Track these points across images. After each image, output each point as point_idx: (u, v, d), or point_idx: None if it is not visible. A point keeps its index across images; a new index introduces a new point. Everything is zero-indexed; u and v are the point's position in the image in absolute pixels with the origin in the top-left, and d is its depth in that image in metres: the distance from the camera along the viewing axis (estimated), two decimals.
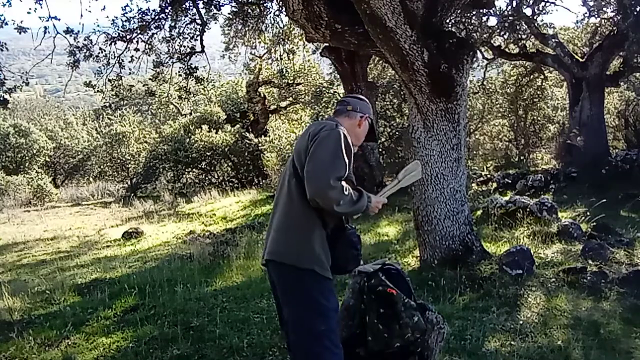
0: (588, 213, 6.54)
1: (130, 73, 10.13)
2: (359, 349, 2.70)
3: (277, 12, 10.89)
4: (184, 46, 9.48)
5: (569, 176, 10.17)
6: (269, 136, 15.36)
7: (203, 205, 12.44)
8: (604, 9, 11.36)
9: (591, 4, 11.10)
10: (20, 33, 7.31)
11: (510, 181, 10.69)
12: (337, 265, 2.32)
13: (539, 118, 16.54)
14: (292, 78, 16.08)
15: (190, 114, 19.21)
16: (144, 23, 8.70)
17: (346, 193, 2.15)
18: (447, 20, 6.08)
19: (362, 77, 9.97)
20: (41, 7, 7.39)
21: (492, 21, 11.67)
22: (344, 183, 2.16)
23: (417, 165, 2.66)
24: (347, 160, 2.20)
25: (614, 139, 14.85)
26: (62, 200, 16.44)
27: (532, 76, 15.09)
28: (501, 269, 4.72)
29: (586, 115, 11.26)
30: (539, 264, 4.97)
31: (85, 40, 8.68)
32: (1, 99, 7.59)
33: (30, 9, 7.28)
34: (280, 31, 11.76)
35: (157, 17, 8.80)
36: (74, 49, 8.60)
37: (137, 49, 9.14)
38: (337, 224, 2.32)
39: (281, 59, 13.30)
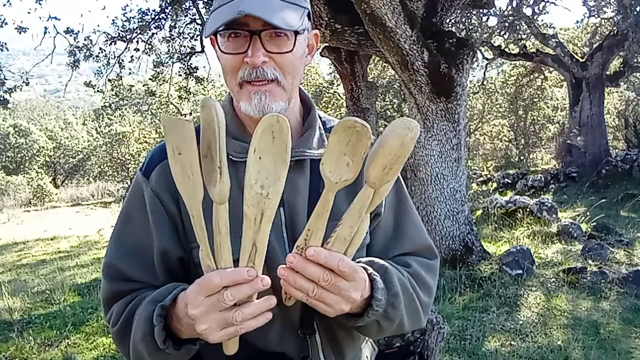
0: (588, 213, 6.54)
1: (130, 73, 10.13)
2: None
3: None
4: (184, 46, 9.46)
5: (569, 176, 10.18)
6: None
7: None
8: (604, 9, 11.36)
9: (591, 4, 11.10)
10: (20, 33, 7.32)
11: (510, 181, 10.71)
12: None
13: (539, 118, 16.56)
14: None
15: (190, 114, 19.20)
16: (144, 23, 8.70)
17: (108, 317, 0.95)
18: (447, 20, 6.08)
19: (362, 77, 9.96)
20: (41, 7, 7.39)
21: (492, 21, 11.68)
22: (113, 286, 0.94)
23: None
24: (131, 232, 0.95)
25: (614, 139, 14.88)
26: (62, 200, 16.45)
27: (532, 76, 15.10)
28: (501, 269, 4.73)
29: (586, 115, 11.27)
30: (539, 264, 4.98)
31: (85, 40, 8.69)
32: (1, 99, 7.59)
33: (30, 9, 7.29)
34: None
35: (157, 17, 8.79)
36: (74, 49, 8.60)
37: (137, 49, 9.14)
38: None
39: None
